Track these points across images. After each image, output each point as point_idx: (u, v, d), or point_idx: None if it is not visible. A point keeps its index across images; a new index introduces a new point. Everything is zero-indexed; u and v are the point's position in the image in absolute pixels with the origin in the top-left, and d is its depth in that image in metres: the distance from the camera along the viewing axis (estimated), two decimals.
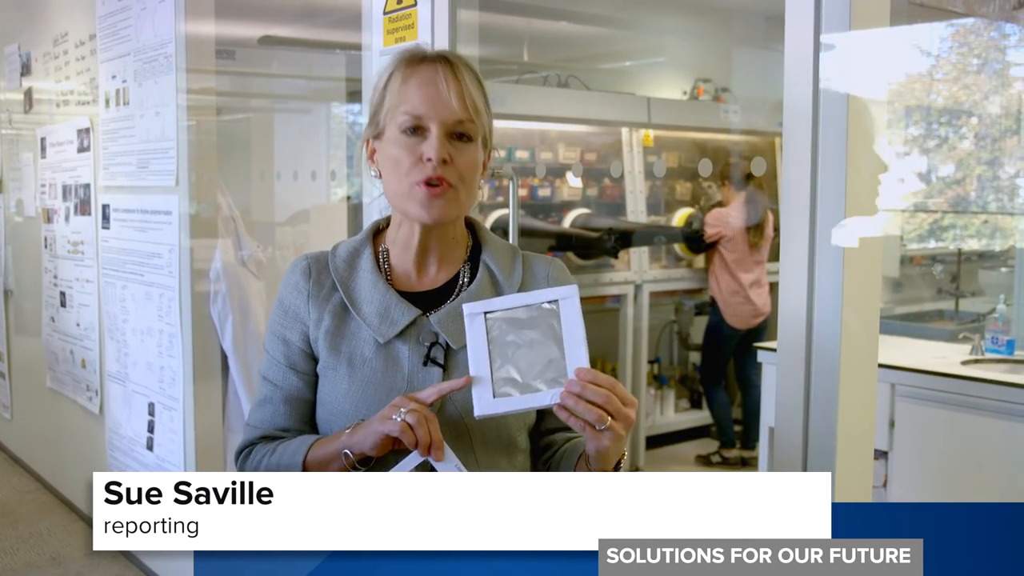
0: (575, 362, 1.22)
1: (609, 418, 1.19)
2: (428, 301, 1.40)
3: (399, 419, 1.25)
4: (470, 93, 1.34)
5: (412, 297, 1.40)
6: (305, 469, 1.36)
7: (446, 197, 1.34)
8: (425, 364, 1.36)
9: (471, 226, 1.49)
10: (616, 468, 1.29)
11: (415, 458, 1.28)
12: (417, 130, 1.34)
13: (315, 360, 1.42)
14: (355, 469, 1.34)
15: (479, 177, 1.40)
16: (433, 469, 1.28)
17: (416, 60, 1.37)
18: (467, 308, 1.28)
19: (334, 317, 1.40)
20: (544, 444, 1.45)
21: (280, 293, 1.45)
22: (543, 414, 1.43)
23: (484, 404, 1.24)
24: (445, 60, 1.36)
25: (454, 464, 1.28)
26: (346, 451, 1.32)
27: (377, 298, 1.38)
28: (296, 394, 1.43)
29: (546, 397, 1.22)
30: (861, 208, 1.61)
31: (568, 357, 1.23)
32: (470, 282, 1.42)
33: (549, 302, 1.26)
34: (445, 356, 1.36)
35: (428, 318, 1.38)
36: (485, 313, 1.27)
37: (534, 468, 1.45)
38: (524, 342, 1.25)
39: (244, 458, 1.45)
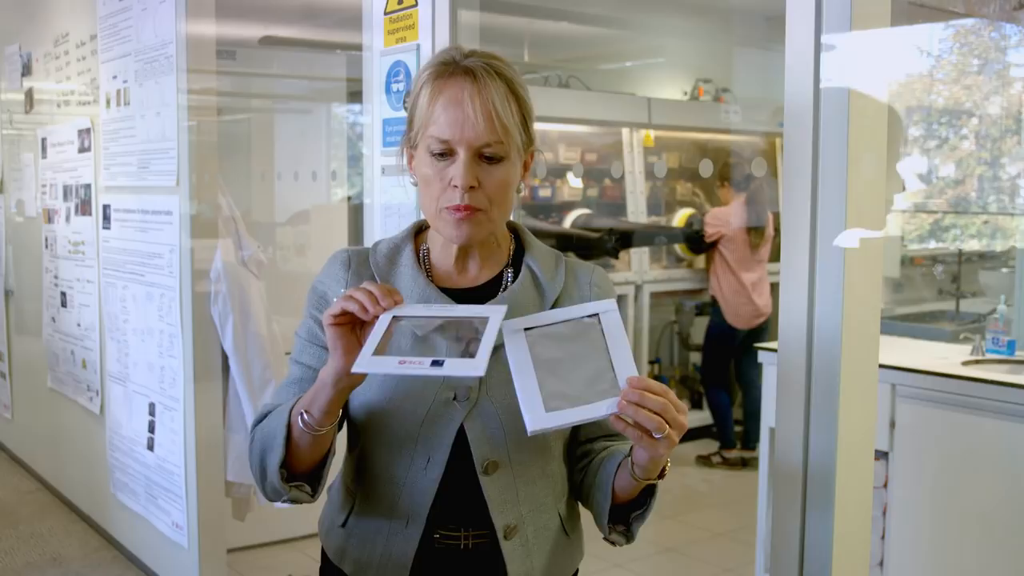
0: (625, 372, 1.19)
1: (667, 426, 1.16)
2: (469, 298, 1.38)
3: (336, 308, 1.21)
4: (497, 112, 1.29)
5: (453, 294, 1.38)
6: (289, 429, 1.31)
7: (474, 220, 1.32)
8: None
9: (515, 229, 1.48)
10: (661, 475, 1.27)
11: (383, 321, 1.21)
12: (446, 153, 1.31)
13: None
14: (314, 431, 1.28)
15: (513, 191, 1.37)
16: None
17: (445, 72, 1.31)
18: (506, 326, 1.24)
19: None
20: (580, 453, 1.44)
21: (316, 280, 1.43)
22: (579, 426, 1.42)
23: (537, 419, 1.17)
24: (472, 74, 1.30)
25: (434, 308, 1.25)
26: (302, 412, 1.27)
27: (417, 292, 1.37)
28: (314, 376, 1.39)
29: (601, 408, 1.17)
30: (863, 210, 1.61)
31: (617, 368, 1.20)
32: (513, 282, 1.41)
33: (588, 316, 1.25)
34: None
35: None
36: (525, 330, 1.25)
37: (571, 478, 1.44)
38: (569, 356, 1.22)
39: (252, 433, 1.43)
